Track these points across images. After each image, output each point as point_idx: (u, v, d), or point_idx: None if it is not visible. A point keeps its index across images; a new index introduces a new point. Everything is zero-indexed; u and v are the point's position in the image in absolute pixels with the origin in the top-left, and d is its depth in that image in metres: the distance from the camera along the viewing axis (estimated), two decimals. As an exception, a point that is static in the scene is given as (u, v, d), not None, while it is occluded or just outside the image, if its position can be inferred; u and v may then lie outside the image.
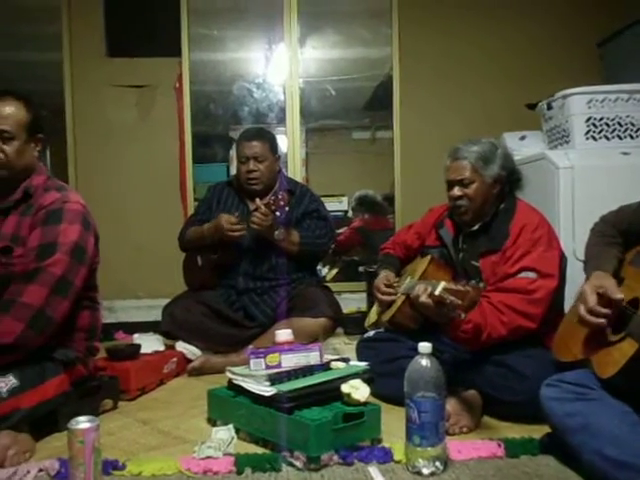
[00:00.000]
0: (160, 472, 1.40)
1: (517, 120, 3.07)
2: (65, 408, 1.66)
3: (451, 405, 1.60)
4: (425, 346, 1.34)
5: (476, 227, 1.89)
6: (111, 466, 1.40)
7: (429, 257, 1.89)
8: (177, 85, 3.49)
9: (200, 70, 3.60)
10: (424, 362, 1.33)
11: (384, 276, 2.04)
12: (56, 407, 1.64)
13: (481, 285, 1.46)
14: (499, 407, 1.69)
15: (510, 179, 1.89)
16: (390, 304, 1.97)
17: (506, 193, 1.89)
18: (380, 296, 2.00)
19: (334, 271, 3.75)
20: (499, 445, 1.48)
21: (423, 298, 1.54)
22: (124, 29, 3.48)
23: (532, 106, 2.89)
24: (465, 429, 1.60)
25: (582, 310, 1.38)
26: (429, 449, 1.33)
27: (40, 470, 1.40)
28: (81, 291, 1.70)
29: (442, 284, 1.45)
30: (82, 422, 1.22)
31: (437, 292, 1.45)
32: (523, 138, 2.91)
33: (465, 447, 1.48)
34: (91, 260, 1.73)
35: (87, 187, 3.30)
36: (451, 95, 3.56)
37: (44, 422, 1.62)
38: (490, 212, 1.87)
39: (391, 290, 1.98)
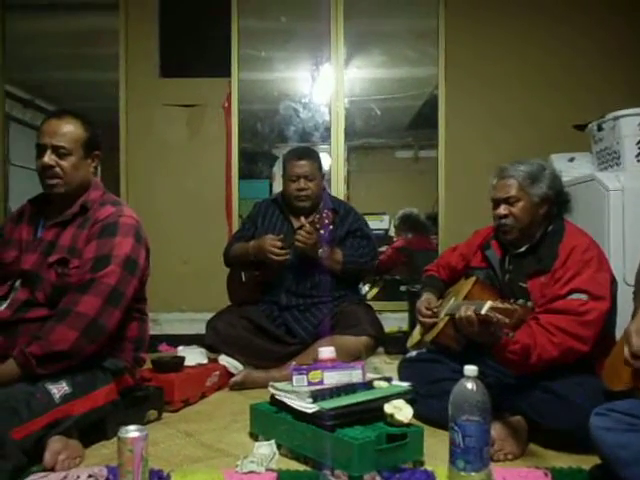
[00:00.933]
0: (204, 484, 1.42)
1: (564, 141, 3.03)
2: (113, 416, 1.71)
3: (496, 430, 1.56)
4: (471, 369, 1.32)
5: (523, 249, 1.86)
6: (157, 476, 1.42)
7: (474, 278, 1.88)
8: (226, 104, 3.59)
9: (248, 89, 3.69)
10: (469, 385, 1.32)
11: (426, 299, 2.03)
12: (105, 415, 1.69)
13: (529, 304, 1.43)
14: (545, 435, 1.64)
15: (558, 200, 1.86)
16: (433, 325, 1.96)
17: (554, 215, 1.86)
18: (421, 319, 1.99)
19: (375, 290, 3.74)
20: (546, 474, 1.44)
21: (469, 312, 1.53)
22: (177, 51, 3.62)
23: (581, 127, 2.85)
24: (510, 456, 1.56)
25: (626, 352, 1.36)
26: (473, 474, 1.30)
27: (90, 476, 1.43)
28: (131, 302, 1.75)
29: (489, 303, 1.44)
30: (132, 431, 1.26)
31: (483, 311, 1.43)
32: (572, 160, 2.86)
33: (510, 474, 1.44)
34: (142, 272, 1.79)
35: (137, 202, 3.40)
36: (498, 115, 3.53)
37: (92, 430, 1.66)
38: (537, 234, 1.85)
39: (432, 313, 1.97)
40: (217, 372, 2.37)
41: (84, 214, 1.76)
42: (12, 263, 1.75)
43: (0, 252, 1.79)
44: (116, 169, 3.57)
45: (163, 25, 3.60)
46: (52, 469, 1.46)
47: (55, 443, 1.50)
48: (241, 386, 2.36)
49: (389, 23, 3.85)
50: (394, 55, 3.87)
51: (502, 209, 1.84)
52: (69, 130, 1.73)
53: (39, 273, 1.69)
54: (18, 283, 1.72)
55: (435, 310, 1.96)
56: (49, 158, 1.70)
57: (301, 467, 1.52)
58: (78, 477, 1.42)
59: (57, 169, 1.71)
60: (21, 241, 1.77)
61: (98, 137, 1.83)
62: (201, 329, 2.62)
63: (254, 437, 1.74)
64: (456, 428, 1.31)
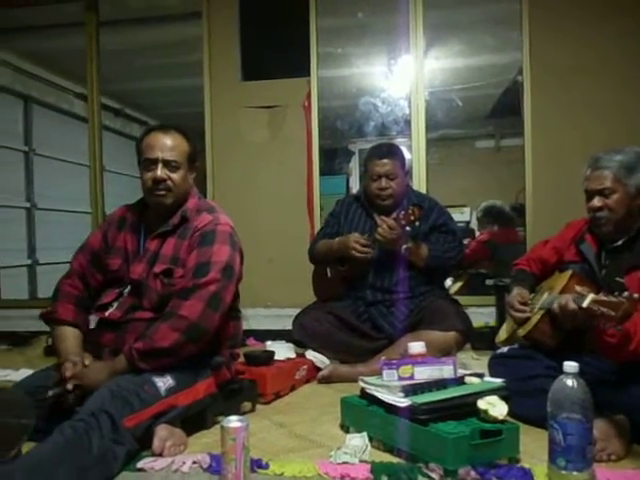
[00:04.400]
0: (300, 474, 1.46)
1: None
2: (212, 408, 1.81)
3: (598, 429, 1.49)
4: (571, 365, 1.29)
5: (620, 242, 1.78)
6: (256, 464, 1.48)
7: (570, 272, 1.81)
8: (306, 103, 3.64)
9: (327, 87, 3.73)
10: (570, 382, 1.28)
11: (518, 293, 1.98)
12: (205, 407, 1.79)
13: (635, 296, 1.35)
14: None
15: (659, 190, 1.75)
16: (525, 321, 1.91)
17: (654, 205, 1.76)
18: (514, 313, 1.94)
19: (458, 284, 3.67)
20: (654, 476, 1.38)
21: (570, 304, 1.48)
22: (257, 54, 3.72)
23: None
24: (613, 456, 1.49)
25: None
26: (575, 473, 1.27)
27: (194, 462, 1.52)
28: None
29: (591, 295, 1.38)
30: (234, 421, 1.32)
31: (585, 304, 1.38)
32: (672, 143, 2.68)
33: (615, 476, 1.38)
34: (237, 277, 1.86)
35: (223, 203, 3.43)
36: (587, 100, 3.34)
37: (193, 420, 1.75)
38: (635, 226, 1.76)
39: (525, 307, 1.92)
40: (305, 366, 2.43)
41: (184, 224, 1.85)
42: (117, 271, 1.87)
43: (105, 258, 1.90)
44: (203, 172, 3.72)
45: (244, 30, 3.71)
46: (160, 455, 1.56)
47: (162, 431, 1.60)
48: (328, 380, 2.40)
49: (467, 11, 3.76)
50: (472, 43, 3.79)
51: (596, 201, 1.77)
52: (177, 144, 1.82)
53: (146, 282, 1.79)
54: (127, 290, 1.84)
55: (529, 303, 1.91)
56: (162, 172, 1.79)
57: (394, 459, 1.53)
58: (184, 463, 1.52)
59: (169, 182, 1.81)
60: (126, 250, 1.88)
61: (197, 149, 1.92)
62: (286, 324, 2.69)
63: (345, 429, 1.77)
64: (556, 426, 1.28)
